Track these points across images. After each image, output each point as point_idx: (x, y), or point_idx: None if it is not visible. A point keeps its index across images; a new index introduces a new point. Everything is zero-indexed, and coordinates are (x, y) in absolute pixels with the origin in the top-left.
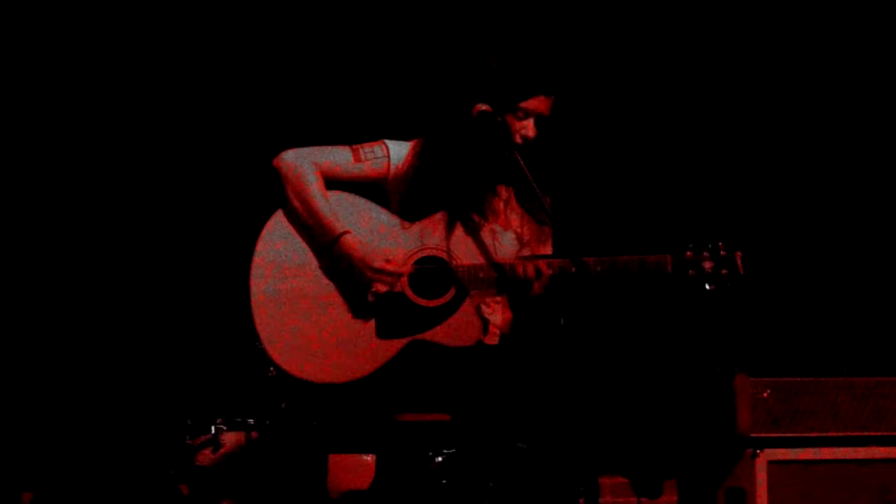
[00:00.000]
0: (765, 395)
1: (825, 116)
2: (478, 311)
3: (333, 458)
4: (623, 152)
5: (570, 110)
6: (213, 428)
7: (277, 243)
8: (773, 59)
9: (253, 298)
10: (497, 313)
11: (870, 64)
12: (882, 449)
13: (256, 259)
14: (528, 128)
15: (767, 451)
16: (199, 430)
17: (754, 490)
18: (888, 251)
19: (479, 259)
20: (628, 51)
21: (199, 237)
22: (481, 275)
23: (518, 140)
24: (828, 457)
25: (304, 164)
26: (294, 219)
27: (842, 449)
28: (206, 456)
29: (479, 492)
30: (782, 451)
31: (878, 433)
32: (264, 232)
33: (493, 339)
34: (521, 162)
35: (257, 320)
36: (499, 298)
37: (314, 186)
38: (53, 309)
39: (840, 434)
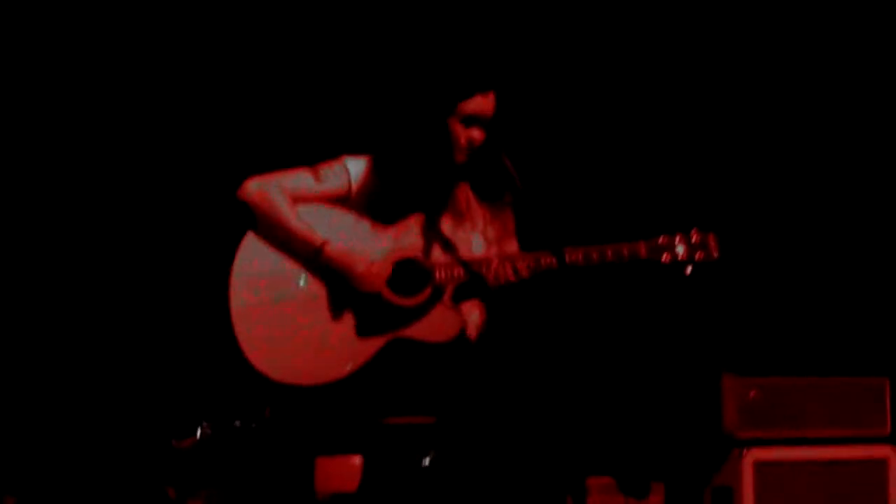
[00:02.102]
0: (752, 394)
1: (802, 105)
2: (454, 307)
3: (321, 461)
4: (593, 141)
5: (535, 101)
6: (198, 430)
7: (253, 260)
8: (749, 39)
9: (233, 312)
10: (474, 310)
11: (848, 46)
12: (869, 448)
13: (234, 278)
14: (474, 134)
15: (754, 450)
16: (185, 433)
17: (741, 489)
18: (879, 246)
19: (450, 259)
20: (594, 36)
21: (186, 239)
22: (455, 273)
23: (463, 144)
24: (815, 457)
25: (270, 188)
26: (268, 235)
27: (829, 448)
28: (192, 457)
29: (467, 493)
30: (769, 450)
31: (865, 433)
32: (239, 252)
33: (472, 333)
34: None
35: (238, 332)
36: (474, 297)
37: (285, 207)
38: (39, 310)
39: (827, 434)
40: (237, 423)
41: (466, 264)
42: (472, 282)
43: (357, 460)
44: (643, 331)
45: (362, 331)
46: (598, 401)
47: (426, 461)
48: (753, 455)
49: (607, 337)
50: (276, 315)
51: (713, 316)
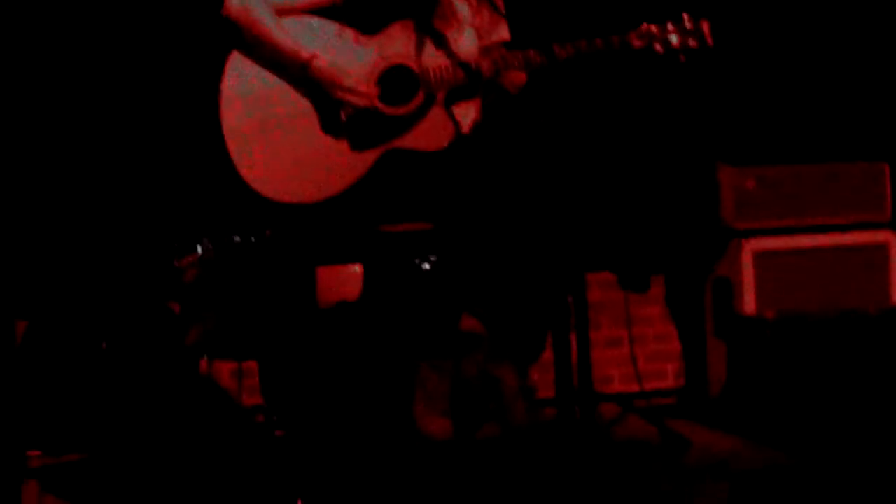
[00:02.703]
0: (749, 184)
1: None
2: (448, 112)
3: (322, 271)
4: None
5: None
6: (198, 247)
7: (241, 80)
8: None
9: (225, 132)
10: (468, 113)
11: None
12: (869, 233)
13: (223, 99)
14: None
15: (753, 240)
16: (185, 251)
17: (741, 280)
18: (877, 26)
19: (442, 61)
20: None
21: (172, 60)
22: (447, 76)
23: None
24: (815, 244)
25: (253, 2)
26: (253, 52)
27: (829, 235)
28: (192, 274)
29: (468, 296)
30: (768, 239)
31: (865, 218)
32: (226, 72)
33: (468, 132)
34: None
35: (232, 152)
36: (469, 98)
37: (269, 21)
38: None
39: (827, 221)
40: (237, 238)
41: (458, 66)
42: (466, 82)
43: (357, 268)
44: (639, 124)
45: (356, 144)
46: (596, 197)
47: (426, 265)
48: (752, 245)
49: (603, 132)
50: (269, 134)
51: (708, 106)
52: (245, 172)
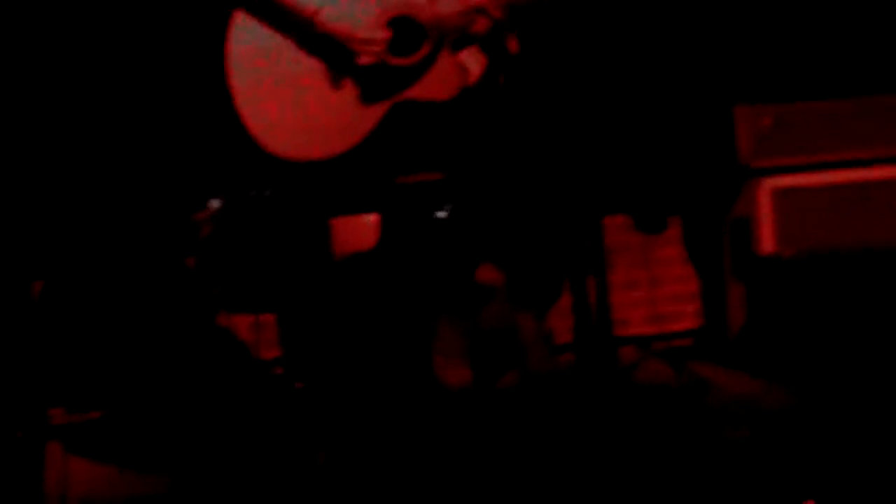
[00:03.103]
0: (765, 122)
1: None
2: (456, 59)
3: (336, 222)
4: None
5: None
6: (213, 202)
7: (246, 39)
8: None
9: (234, 93)
10: (476, 60)
11: None
12: (890, 168)
13: (230, 60)
14: None
15: (770, 178)
16: (200, 206)
17: (759, 219)
18: None
19: (446, 8)
20: None
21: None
22: (452, 22)
23: None
24: (834, 180)
25: None
26: (258, 11)
27: (851, 171)
28: (208, 229)
29: (483, 244)
30: (786, 177)
31: (886, 153)
32: (230, 32)
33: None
34: None
35: (243, 113)
36: (475, 45)
37: None
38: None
39: (846, 157)
40: (251, 192)
41: (463, 12)
42: (472, 28)
43: (372, 219)
44: (653, 62)
45: (365, 98)
46: (610, 140)
47: (441, 215)
48: (770, 183)
49: (616, 72)
50: (277, 93)
51: (724, 42)
52: (257, 133)
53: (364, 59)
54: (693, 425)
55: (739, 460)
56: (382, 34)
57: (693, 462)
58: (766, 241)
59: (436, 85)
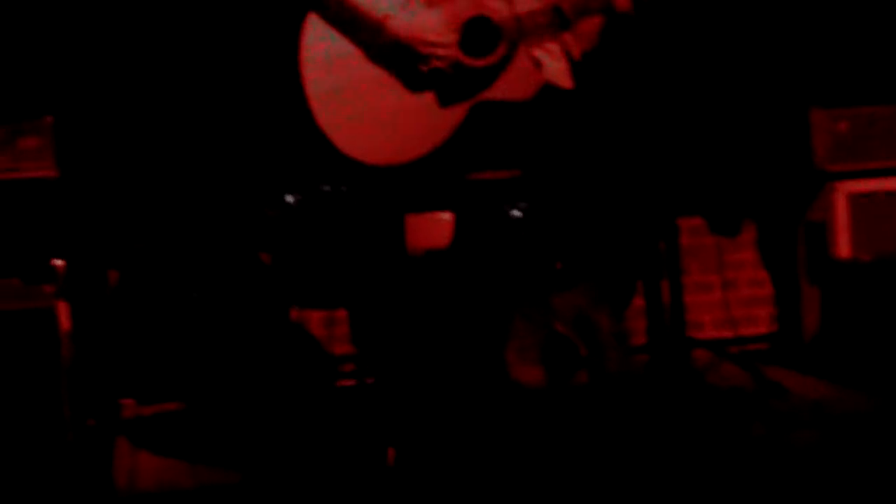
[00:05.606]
0: (842, 126)
1: None
2: (533, 60)
3: (411, 218)
4: None
5: None
6: (288, 197)
7: (320, 43)
8: None
9: (310, 98)
10: (557, 59)
11: None
12: None
13: (304, 63)
14: None
15: (847, 183)
16: (274, 201)
17: (835, 224)
18: None
19: (523, 6)
20: None
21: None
22: (531, 22)
23: None
24: None
25: None
26: (330, 17)
27: None
28: (283, 224)
29: (558, 242)
30: (863, 182)
31: None
32: (304, 36)
33: (565, 81)
34: None
35: (319, 117)
36: (555, 43)
37: None
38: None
39: None
40: (326, 188)
41: (537, 11)
42: (548, 26)
43: (447, 216)
44: (732, 66)
45: (442, 102)
46: (686, 141)
47: (516, 213)
48: (846, 188)
49: (694, 73)
50: (354, 96)
51: (799, 47)
52: (334, 137)
53: (435, 63)
54: (765, 428)
55: (806, 464)
56: (453, 37)
57: (759, 465)
58: (843, 246)
59: (514, 85)
